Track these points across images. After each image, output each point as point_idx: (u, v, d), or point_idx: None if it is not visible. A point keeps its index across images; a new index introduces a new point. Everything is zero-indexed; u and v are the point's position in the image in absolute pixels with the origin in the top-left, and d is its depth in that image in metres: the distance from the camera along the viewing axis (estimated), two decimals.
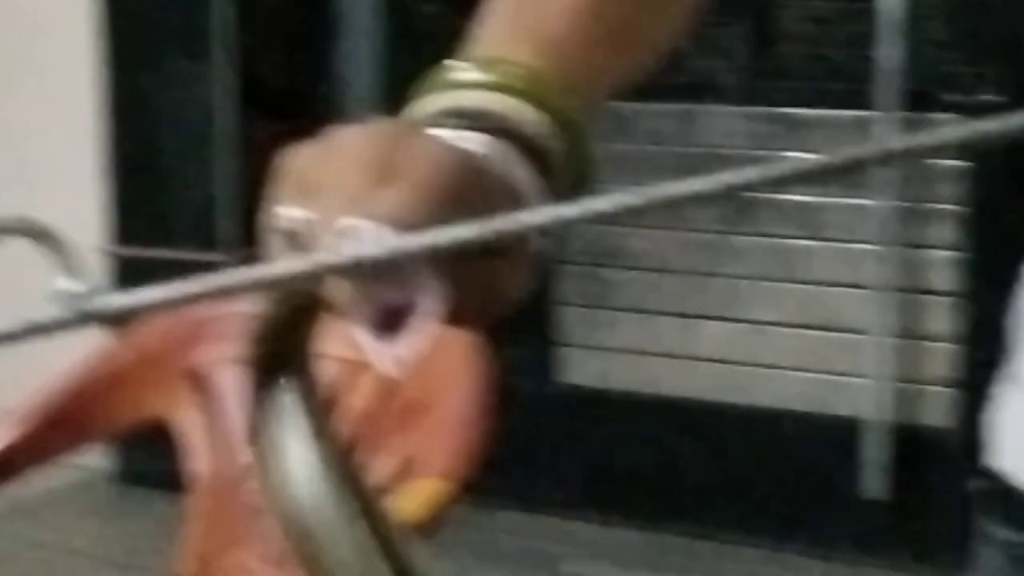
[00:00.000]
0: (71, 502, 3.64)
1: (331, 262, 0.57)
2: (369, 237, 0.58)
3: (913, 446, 3.19)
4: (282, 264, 0.59)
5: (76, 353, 1.92)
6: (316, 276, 0.60)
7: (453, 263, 0.60)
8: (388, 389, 1.67)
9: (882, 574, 3.17)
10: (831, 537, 3.23)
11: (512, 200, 0.67)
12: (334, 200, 0.60)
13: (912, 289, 3.19)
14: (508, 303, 0.68)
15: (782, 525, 3.29)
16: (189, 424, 1.75)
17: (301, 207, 0.61)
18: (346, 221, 0.58)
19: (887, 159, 0.50)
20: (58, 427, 1.77)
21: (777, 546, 3.27)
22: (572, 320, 3.49)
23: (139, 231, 3.61)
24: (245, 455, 1.74)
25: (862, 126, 3.15)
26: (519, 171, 0.68)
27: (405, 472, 1.56)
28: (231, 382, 1.76)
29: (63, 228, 0.55)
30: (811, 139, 3.22)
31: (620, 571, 3.23)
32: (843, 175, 0.53)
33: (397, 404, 1.65)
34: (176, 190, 3.59)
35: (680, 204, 0.53)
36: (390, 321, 0.59)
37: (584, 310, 3.48)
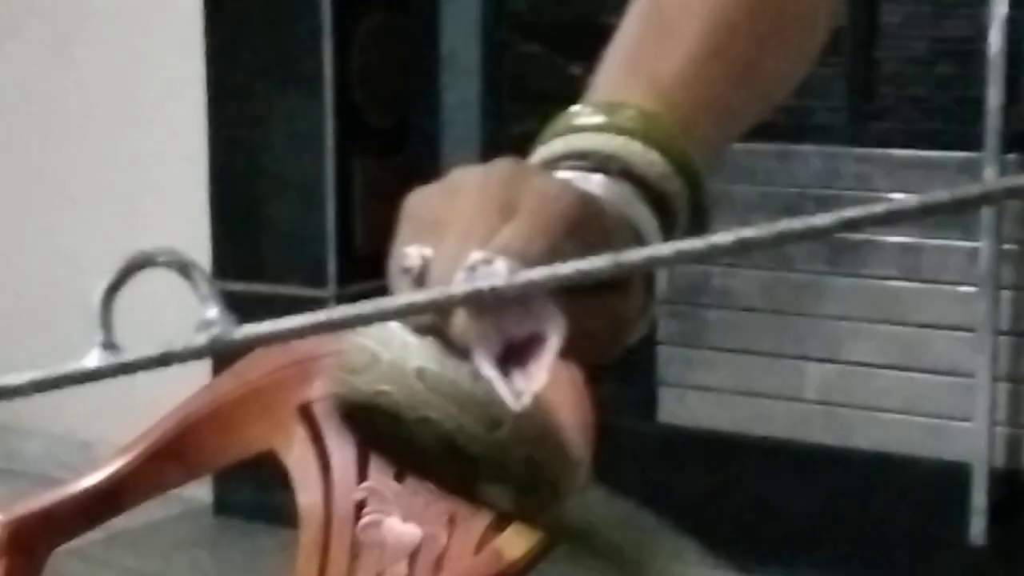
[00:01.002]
0: (169, 532, 3.67)
1: (457, 294, 0.59)
2: (493, 271, 0.59)
3: (1019, 491, 3.15)
4: (409, 296, 0.60)
5: (183, 388, 1.94)
6: (443, 310, 0.61)
7: (576, 298, 0.61)
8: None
9: None
10: None
11: (632, 241, 0.68)
12: (458, 237, 0.61)
13: (1018, 332, 3.15)
14: (628, 341, 0.68)
15: (884, 571, 3.25)
16: (300, 459, 1.76)
17: (426, 246, 0.63)
18: (470, 256, 0.59)
19: (985, 200, 0.51)
20: (165, 460, 1.79)
21: None
22: (673, 360, 3.48)
23: (242, 267, 3.64)
24: (357, 491, 1.75)
25: (965, 168, 3.13)
26: (639, 212, 0.69)
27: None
28: None
29: None
30: (910, 180, 3.20)
31: None
32: (942, 214, 0.53)
33: None
34: (280, 226, 3.62)
35: (793, 240, 0.53)
36: (514, 355, 0.60)
37: (685, 350, 3.47)
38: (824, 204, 3.30)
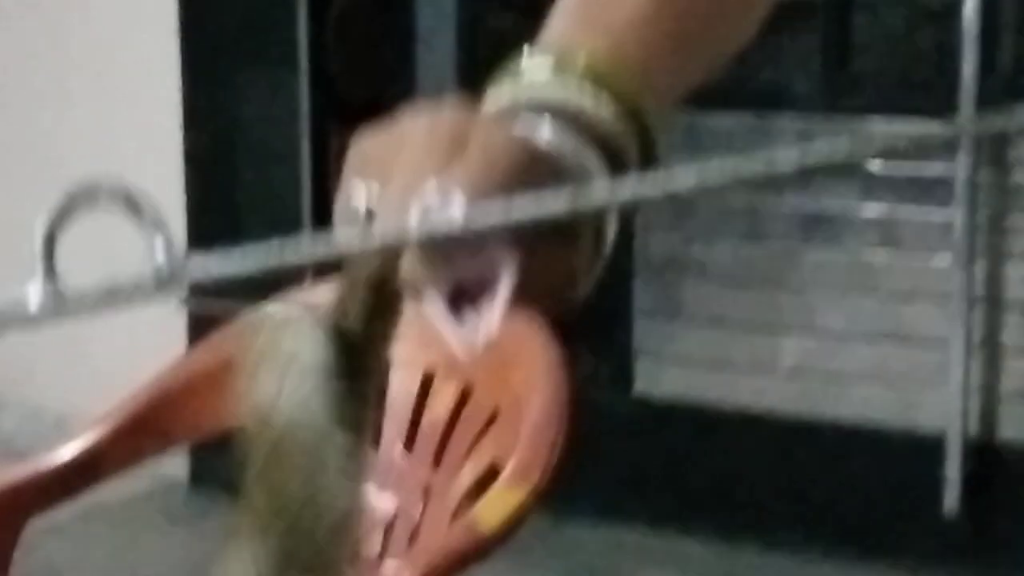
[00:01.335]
0: (145, 507, 3.67)
1: (413, 229, 0.57)
2: (448, 205, 0.57)
3: (994, 461, 3.16)
4: (360, 233, 0.59)
5: (158, 360, 1.94)
6: (391, 251, 0.60)
7: (526, 243, 0.60)
8: (469, 397, 1.67)
9: None
10: (910, 553, 3.20)
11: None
12: (406, 176, 0.61)
13: (992, 302, 3.16)
14: (577, 295, 0.68)
15: (860, 540, 3.26)
16: None
17: (373, 187, 0.62)
18: (425, 189, 0.58)
19: (954, 137, 0.50)
20: (140, 432, 1.79)
21: (854, 562, 3.24)
22: (649, 331, 3.48)
23: (219, 239, 3.62)
24: None
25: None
26: (587, 158, 0.68)
27: (486, 480, 1.56)
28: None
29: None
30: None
31: None
32: (908, 157, 0.53)
33: (478, 412, 1.65)
34: (255, 200, 3.61)
35: (755, 179, 0.52)
36: (465, 300, 0.59)
37: (661, 321, 3.47)
38: (800, 175, 3.30)
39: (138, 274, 0.53)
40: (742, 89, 3.26)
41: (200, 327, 3.03)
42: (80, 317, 0.54)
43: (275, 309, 0.64)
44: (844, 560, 3.24)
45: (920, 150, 0.48)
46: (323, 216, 3.49)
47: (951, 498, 3.15)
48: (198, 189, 3.67)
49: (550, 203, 0.55)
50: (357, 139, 0.65)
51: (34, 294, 0.52)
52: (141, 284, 0.53)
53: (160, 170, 3.69)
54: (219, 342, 1.85)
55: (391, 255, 0.61)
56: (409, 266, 0.60)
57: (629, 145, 0.71)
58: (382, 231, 0.59)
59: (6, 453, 3.69)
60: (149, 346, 3.61)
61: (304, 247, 0.55)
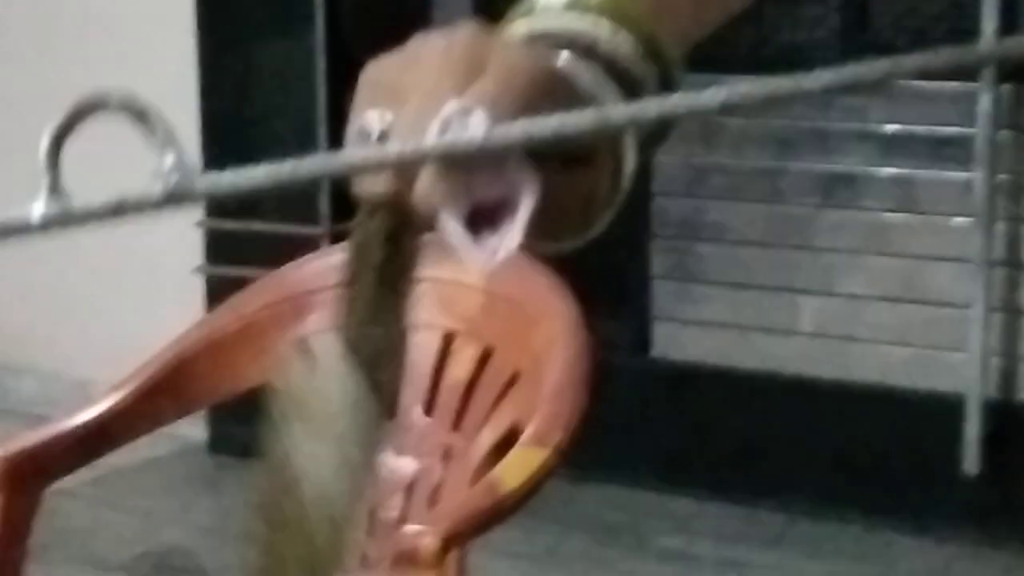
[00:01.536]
0: (164, 471, 3.68)
1: (433, 145, 0.55)
2: (469, 124, 0.55)
3: (1013, 421, 3.16)
4: (374, 150, 0.57)
5: (177, 324, 1.94)
6: (407, 173, 0.58)
7: (545, 170, 0.58)
8: (489, 359, 1.67)
9: (981, 551, 3.14)
10: (929, 513, 3.20)
11: None
12: (422, 99, 0.59)
13: (1012, 263, 3.15)
14: (595, 226, 0.66)
15: (879, 501, 3.26)
16: None
17: (387, 110, 0.60)
18: (446, 107, 0.56)
19: (981, 63, 0.49)
20: (159, 396, 1.79)
21: (875, 522, 3.24)
22: (666, 294, 3.48)
23: (235, 205, 3.62)
24: None
25: (959, 99, 3.11)
26: (606, 92, 0.67)
27: (506, 441, 1.56)
28: (339, 352, 1.76)
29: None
30: (905, 111, 3.18)
31: (715, 546, 3.22)
32: (938, 77, 0.51)
33: (499, 374, 1.65)
34: (272, 160, 3.60)
35: (785, 98, 0.50)
36: (483, 224, 0.57)
37: (679, 284, 3.47)
38: (819, 136, 3.29)
39: (146, 187, 0.51)
40: (759, 53, 3.24)
41: (218, 291, 3.02)
42: (85, 228, 0.51)
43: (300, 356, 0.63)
44: (865, 520, 3.24)
45: (946, 74, 0.47)
46: (338, 180, 3.48)
47: (971, 458, 3.15)
48: (214, 155, 3.66)
49: (573, 121, 0.53)
50: (368, 66, 0.64)
51: (38, 206, 0.50)
52: (149, 196, 0.51)
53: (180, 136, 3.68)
54: (237, 305, 1.85)
55: (405, 182, 0.58)
56: (425, 187, 0.58)
57: (648, 79, 0.69)
58: (397, 149, 0.56)
59: (26, 418, 3.71)
60: (167, 310, 3.62)
61: (316, 163, 0.53)
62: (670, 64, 0.70)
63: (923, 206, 3.22)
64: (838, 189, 3.29)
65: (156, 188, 0.51)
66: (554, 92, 0.61)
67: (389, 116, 0.60)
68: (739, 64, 3.04)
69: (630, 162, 0.67)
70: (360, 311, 0.65)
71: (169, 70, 3.73)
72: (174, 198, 0.51)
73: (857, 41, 3.28)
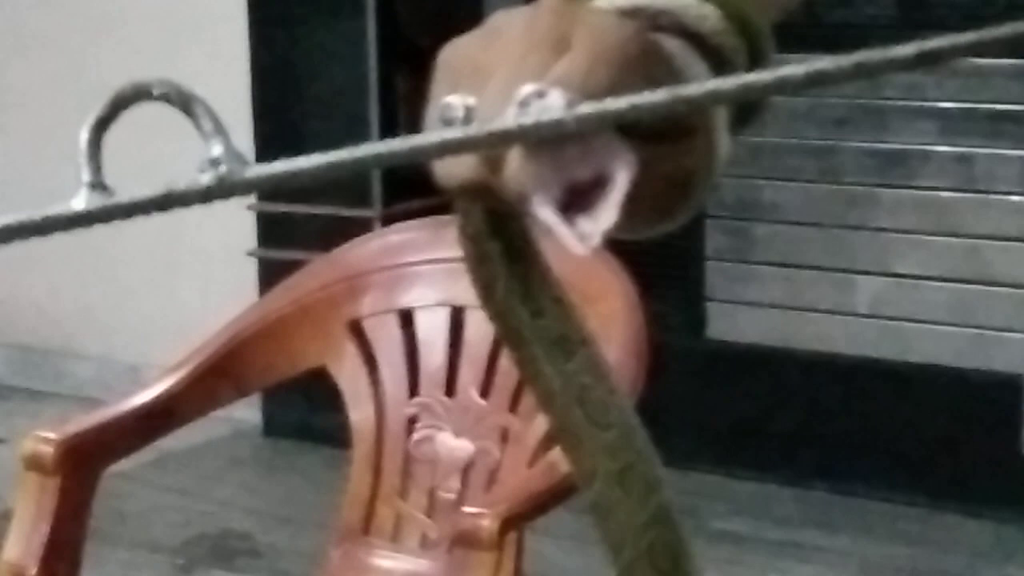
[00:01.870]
0: (218, 453, 3.69)
1: (512, 128, 0.52)
2: (548, 104, 0.52)
3: None
4: (456, 132, 0.53)
5: (231, 306, 1.94)
6: (493, 158, 0.55)
7: (637, 145, 0.55)
8: None
9: None
10: (987, 492, 3.17)
11: None
12: (506, 79, 0.55)
13: None
14: (694, 203, 0.63)
15: (934, 482, 3.23)
16: (351, 376, 1.75)
17: (469, 94, 0.56)
18: (525, 89, 0.53)
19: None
20: (215, 378, 1.79)
21: (929, 503, 3.22)
22: (721, 276, 3.46)
23: (287, 187, 3.62)
24: (408, 407, 1.74)
25: (1017, 75, 3.08)
26: (697, 71, 0.64)
27: None
28: (392, 333, 1.75)
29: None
30: (962, 89, 3.15)
31: (769, 527, 3.21)
32: None
33: None
34: (324, 145, 3.57)
35: (872, 73, 0.48)
36: (577, 202, 0.54)
37: (733, 265, 3.45)
38: (875, 114, 3.26)
39: (193, 178, 0.48)
40: (815, 31, 3.21)
41: (271, 273, 3.03)
42: (130, 219, 0.48)
43: None
44: (922, 500, 3.22)
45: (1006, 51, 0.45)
46: None
47: None
48: (266, 140, 3.66)
49: (663, 98, 0.50)
50: (445, 47, 0.60)
51: (79, 200, 0.48)
52: (196, 187, 0.48)
53: (228, 120, 3.68)
54: (292, 287, 1.84)
55: (492, 166, 0.55)
56: (514, 170, 0.54)
57: (736, 54, 0.66)
58: (480, 130, 0.53)
59: (81, 402, 3.73)
60: (221, 293, 3.63)
61: (374, 150, 0.50)
62: (759, 38, 0.67)
63: (981, 184, 3.19)
64: (895, 167, 3.26)
65: (204, 179, 0.48)
66: (649, 57, 0.58)
67: (472, 99, 0.56)
68: (794, 40, 3.02)
69: (723, 142, 0.64)
70: (505, 299, 0.63)
71: (220, 56, 3.74)
72: (223, 189, 0.49)
73: (913, 16, 3.25)
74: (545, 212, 0.54)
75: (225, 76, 3.70)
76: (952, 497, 3.21)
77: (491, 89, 0.55)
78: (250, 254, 3.71)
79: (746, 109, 0.68)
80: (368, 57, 3.52)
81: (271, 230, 3.71)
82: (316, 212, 3.53)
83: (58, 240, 0.54)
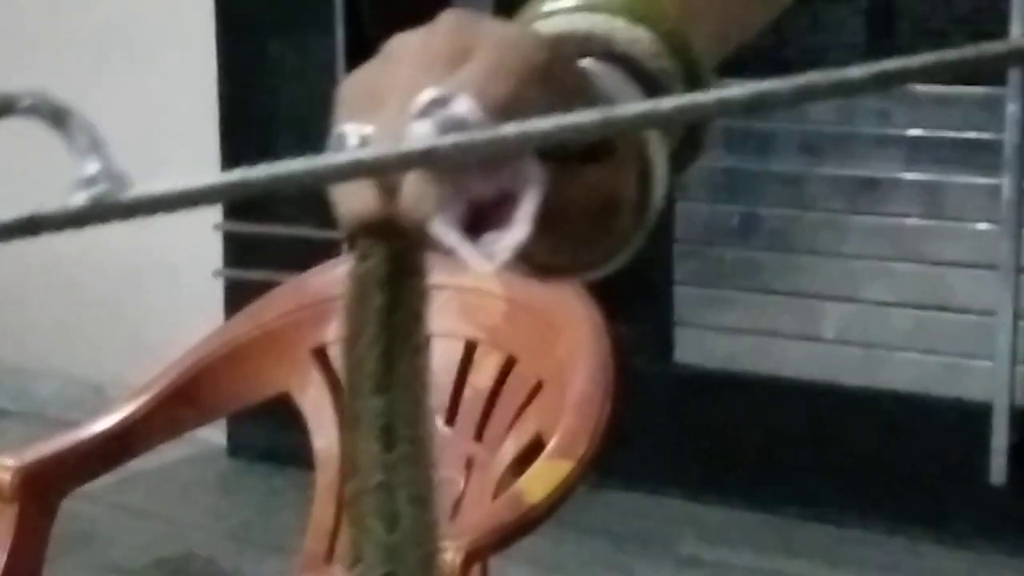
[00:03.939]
0: (183, 475, 3.67)
1: (414, 148, 0.47)
2: (454, 111, 0.49)
3: None
4: (352, 154, 0.49)
5: (196, 330, 1.92)
6: (390, 181, 0.51)
7: (553, 160, 0.51)
8: (512, 368, 1.65)
9: (1005, 560, 3.11)
10: (956, 522, 3.17)
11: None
12: (401, 100, 0.51)
13: None
14: (630, 231, 0.61)
15: (905, 510, 3.23)
16: (316, 403, 1.73)
17: (365, 123, 0.53)
18: (424, 96, 0.49)
19: (1009, 58, 0.45)
20: (178, 403, 1.77)
21: (899, 531, 3.21)
22: (690, 301, 3.45)
23: (255, 207, 3.61)
24: None
25: (986, 104, 3.08)
26: (626, 91, 0.60)
27: (530, 452, 1.54)
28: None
29: None
30: (931, 116, 3.16)
31: (738, 553, 3.20)
32: (965, 72, 0.47)
33: (522, 383, 1.63)
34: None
35: (815, 96, 0.46)
36: (485, 218, 0.50)
37: (702, 290, 3.44)
38: (843, 142, 3.26)
39: (65, 200, 0.43)
40: (782, 57, 3.22)
41: (238, 294, 3.01)
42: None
43: None
44: (889, 530, 3.21)
45: (972, 75, 0.43)
46: None
47: (998, 467, 3.12)
48: (234, 157, 3.64)
49: (580, 120, 0.45)
50: (344, 81, 0.57)
51: None
52: (67, 210, 0.43)
53: (196, 137, 3.67)
54: (257, 312, 1.83)
55: (392, 197, 0.51)
56: (411, 195, 0.50)
57: (671, 78, 0.63)
58: (373, 154, 0.48)
59: (44, 422, 3.70)
60: (187, 313, 3.60)
61: (272, 171, 0.46)
62: (697, 63, 0.64)
63: (949, 212, 3.19)
64: (863, 194, 3.26)
65: (76, 200, 0.43)
66: (558, 70, 0.54)
67: (368, 128, 0.53)
68: (761, 66, 3.02)
69: (659, 167, 0.61)
70: (367, 369, 0.57)
71: (187, 73, 3.72)
72: (96, 212, 0.44)
73: (882, 43, 3.26)
74: (445, 232, 0.50)
75: (193, 93, 3.69)
76: (920, 525, 3.20)
77: (386, 112, 0.52)
78: (216, 274, 3.69)
79: (690, 139, 0.65)
80: (337, 72, 3.51)
81: (238, 250, 3.69)
82: (283, 232, 3.51)
83: (21, 256, 0.51)
